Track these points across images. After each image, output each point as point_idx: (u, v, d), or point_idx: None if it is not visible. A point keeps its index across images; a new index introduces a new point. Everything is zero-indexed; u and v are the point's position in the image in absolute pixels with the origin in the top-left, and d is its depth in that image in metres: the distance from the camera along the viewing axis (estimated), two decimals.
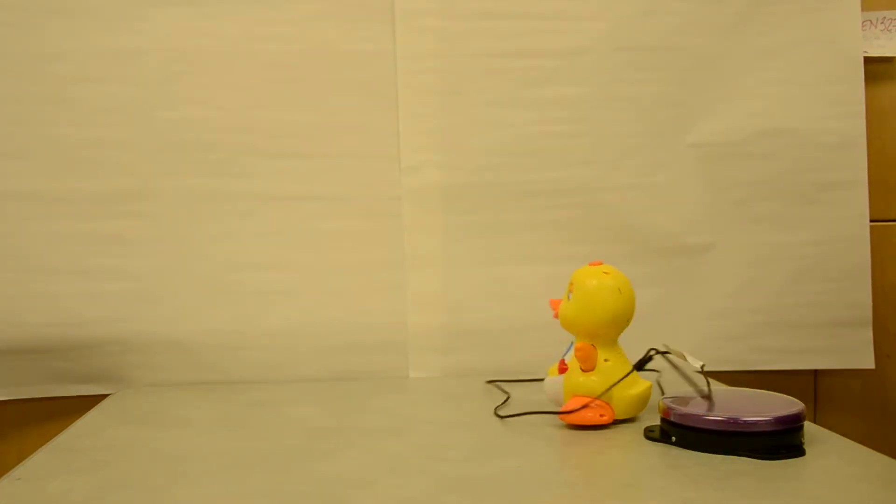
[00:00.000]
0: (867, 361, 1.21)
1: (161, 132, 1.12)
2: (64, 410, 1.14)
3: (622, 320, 0.88)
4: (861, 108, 1.19)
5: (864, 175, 1.19)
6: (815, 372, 1.27)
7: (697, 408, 0.78)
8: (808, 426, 0.77)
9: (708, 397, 0.82)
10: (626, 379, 0.86)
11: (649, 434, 0.81)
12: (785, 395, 0.81)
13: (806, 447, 0.75)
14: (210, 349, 1.14)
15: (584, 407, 0.85)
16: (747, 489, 0.65)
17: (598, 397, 0.86)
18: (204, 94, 1.13)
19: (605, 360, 0.88)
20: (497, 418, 0.91)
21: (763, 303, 1.20)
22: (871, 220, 1.19)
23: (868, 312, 1.20)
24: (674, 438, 0.77)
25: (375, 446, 0.81)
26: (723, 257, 1.20)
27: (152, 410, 0.99)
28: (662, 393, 0.88)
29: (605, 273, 0.88)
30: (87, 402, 1.08)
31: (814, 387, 1.27)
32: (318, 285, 1.15)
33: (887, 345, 1.25)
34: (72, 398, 1.14)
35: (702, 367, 0.82)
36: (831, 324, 1.20)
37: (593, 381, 0.86)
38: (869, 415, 1.27)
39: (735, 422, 0.74)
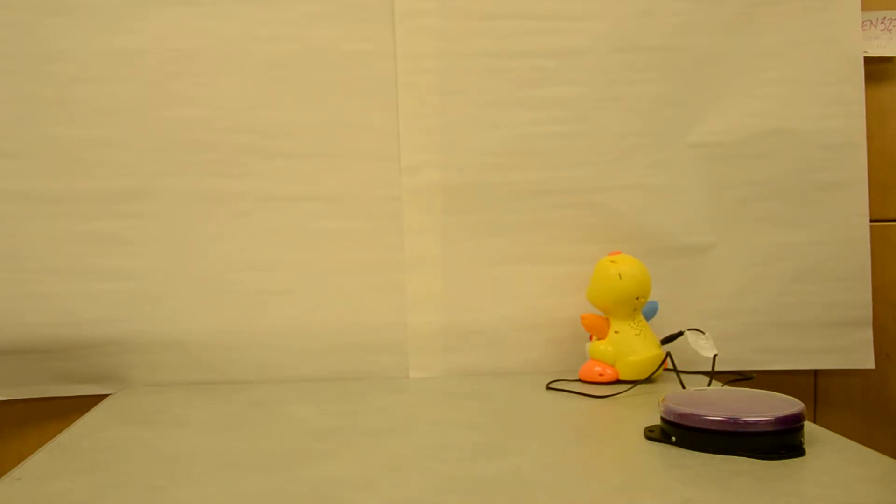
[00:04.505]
0: (867, 361, 1.21)
1: (161, 132, 1.12)
2: (64, 410, 1.14)
3: (624, 299, 1.07)
4: (861, 108, 1.19)
5: (864, 175, 1.19)
6: (815, 372, 1.27)
7: (698, 408, 0.78)
8: (808, 426, 0.77)
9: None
10: (634, 348, 1.07)
11: (649, 434, 0.81)
12: (785, 395, 0.81)
13: (806, 447, 0.75)
14: (210, 349, 1.14)
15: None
16: (747, 489, 0.65)
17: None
18: (204, 94, 1.13)
19: (616, 332, 1.08)
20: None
21: (763, 303, 1.20)
22: (871, 220, 1.19)
23: (868, 312, 1.20)
24: (674, 438, 0.77)
25: (375, 446, 0.81)
26: (723, 257, 1.20)
27: (152, 410, 0.99)
28: (674, 367, 1.02)
29: (612, 262, 1.09)
30: (87, 402, 1.08)
31: (814, 387, 1.27)
32: (317, 285, 1.15)
33: (887, 345, 1.25)
34: (72, 398, 1.14)
35: (714, 356, 0.99)
36: (831, 324, 1.20)
37: (604, 348, 1.08)
38: (869, 415, 1.27)
39: (735, 422, 0.74)
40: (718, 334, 1.20)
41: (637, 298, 1.08)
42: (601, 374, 1.07)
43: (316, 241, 1.15)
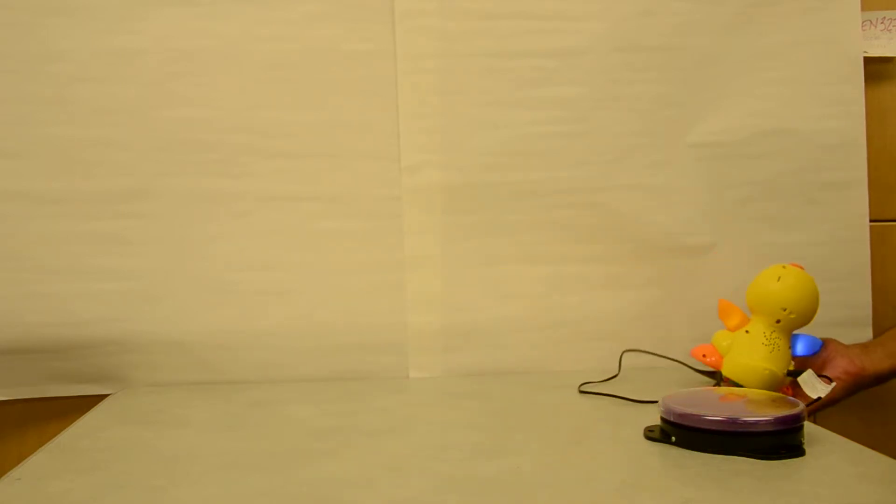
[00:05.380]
0: None
1: (161, 132, 1.12)
2: (64, 410, 1.14)
3: (770, 301, 0.99)
4: (861, 108, 1.19)
5: (864, 175, 1.19)
6: None
7: (697, 408, 0.78)
8: (808, 426, 0.77)
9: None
10: (750, 352, 0.97)
11: (649, 434, 0.81)
12: (785, 395, 0.81)
13: (806, 447, 0.75)
14: (210, 349, 1.14)
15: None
16: (747, 489, 0.65)
17: None
18: (204, 94, 1.13)
19: (746, 331, 1.00)
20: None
21: None
22: (871, 220, 1.19)
23: (868, 312, 1.20)
24: (674, 438, 0.77)
25: (375, 446, 0.81)
26: (723, 257, 1.20)
27: (152, 410, 0.99)
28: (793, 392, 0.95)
29: (782, 267, 1.01)
30: (87, 402, 1.08)
31: None
32: (317, 285, 1.15)
33: None
34: (72, 398, 1.14)
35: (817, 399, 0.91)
36: (831, 324, 1.20)
37: (722, 336, 1.03)
38: (869, 415, 1.27)
39: (735, 422, 0.74)
40: None
41: (783, 309, 0.98)
42: (704, 356, 1.04)
43: (316, 241, 1.15)
